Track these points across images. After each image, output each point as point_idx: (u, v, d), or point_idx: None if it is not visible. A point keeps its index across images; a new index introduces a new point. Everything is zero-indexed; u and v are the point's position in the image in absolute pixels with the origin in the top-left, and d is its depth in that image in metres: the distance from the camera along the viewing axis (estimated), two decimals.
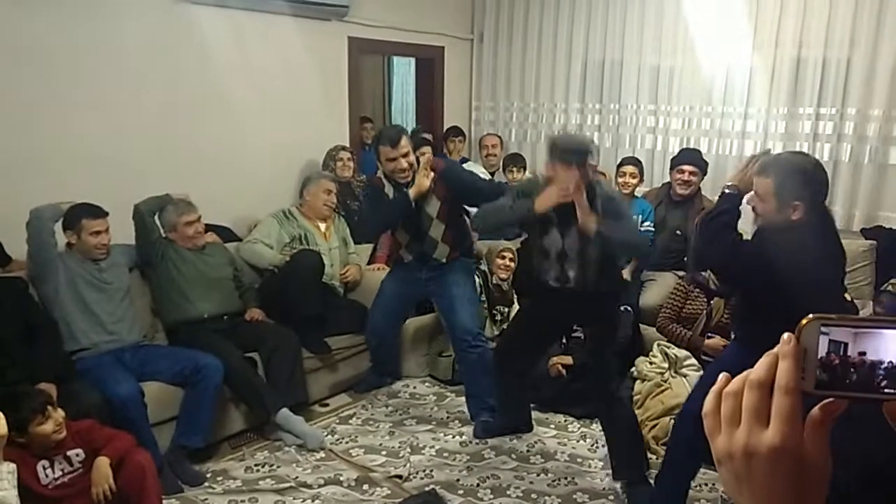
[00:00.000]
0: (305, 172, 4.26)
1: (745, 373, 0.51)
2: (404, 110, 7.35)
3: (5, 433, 1.32)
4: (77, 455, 2.36)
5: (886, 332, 0.50)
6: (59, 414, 2.31)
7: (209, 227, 3.61)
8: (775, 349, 0.50)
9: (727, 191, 2.31)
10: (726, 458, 0.50)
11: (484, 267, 4.15)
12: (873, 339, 0.50)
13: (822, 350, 0.50)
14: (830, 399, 0.50)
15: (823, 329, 0.50)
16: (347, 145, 4.57)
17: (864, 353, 0.50)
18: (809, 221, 2.16)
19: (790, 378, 0.48)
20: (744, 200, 2.31)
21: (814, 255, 2.14)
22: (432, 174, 3.16)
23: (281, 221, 3.87)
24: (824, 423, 0.49)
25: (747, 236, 2.38)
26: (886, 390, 0.50)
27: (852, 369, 0.50)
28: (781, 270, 2.02)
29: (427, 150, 4.93)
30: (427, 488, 2.87)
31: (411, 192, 3.14)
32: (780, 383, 0.48)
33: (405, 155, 3.13)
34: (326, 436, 3.31)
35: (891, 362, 0.50)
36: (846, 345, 0.50)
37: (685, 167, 4.06)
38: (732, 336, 2.67)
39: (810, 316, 0.50)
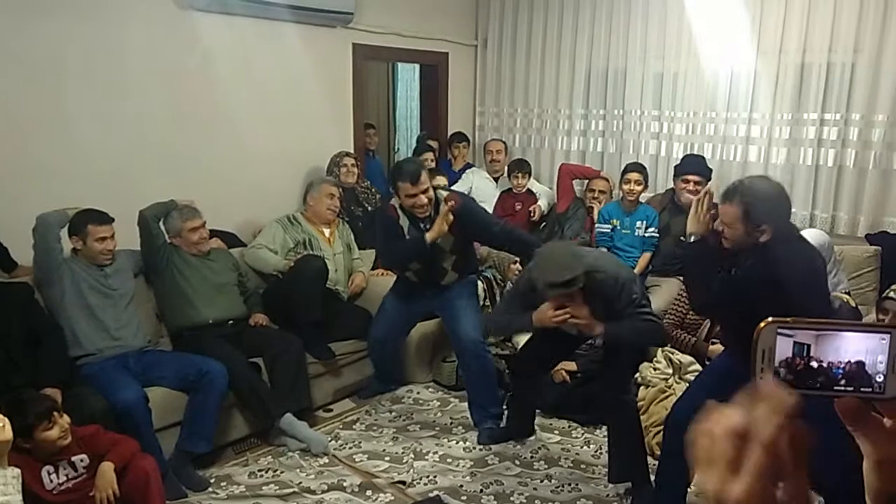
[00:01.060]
0: (310, 178, 4.28)
1: (721, 412, 0.50)
2: (409, 116, 7.37)
3: (10, 438, 1.33)
4: (82, 461, 2.37)
5: (845, 335, 0.53)
6: (65, 420, 2.33)
7: (214, 233, 3.63)
8: (757, 392, 0.49)
9: (691, 239, 2.41)
10: (701, 493, 0.50)
11: (488, 273, 4.16)
12: (833, 341, 0.53)
13: (787, 352, 0.53)
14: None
15: (784, 332, 0.53)
16: (352, 151, 4.59)
17: (822, 356, 0.54)
18: (777, 238, 2.25)
19: (767, 434, 0.47)
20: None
21: (794, 266, 2.21)
22: (451, 217, 3.12)
23: (285, 227, 3.88)
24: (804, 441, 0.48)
25: None
26: (842, 388, 0.52)
27: (814, 370, 0.53)
28: (770, 288, 2.09)
29: (429, 155, 4.95)
30: (431, 494, 2.87)
31: (429, 235, 3.13)
32: (758, 437, 0.47)
33: (425, 191, 3.11)
34: (330, 441, 3.31)
35: (849, 362, 0.52)
36: (809, 346, 0.54)
37: (691, 177, 4.04)
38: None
39: (769, 319, 0.53)
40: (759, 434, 0.47)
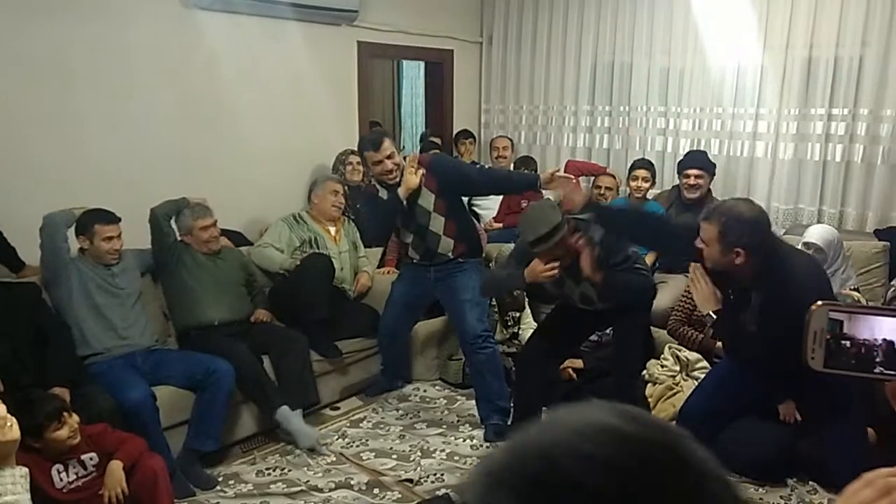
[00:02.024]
0: (315, 177, 4.28)
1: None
2: (414, 114, 7.37)
3: (17, 438, 1.34)
4: (91, 459, 2.39)
5: (885, 319, 0.57)
6: (74, 419, 2.34)
7: (220, 232, 3.63)
8: None
9: (712, 317, 2.48)
10: None
11: None
12: (869, 323, 0.56)
13: (829, 327, 0.56)
14: None
15: (835, 314, 0.57)
16: (357, 149, 4.58)
17: (861, 335, 0.57)
18: (752, 264, 2.31)
19: None
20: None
21: (804, 285, 2.26)
22: (420, 170, 3.18)
23: (291, 225, 3.88)
24: None
25: None
26: (886, 371, 0.56)
27: (853, 349, 0.56)
28: (794, 318, 2.12)
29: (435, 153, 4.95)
30: (439, 492, 2.87)
31: (400, 190, 3.17)
32: None
33: (389, 156, 3.16)
34: (337, 439, 3.32)
35: (888, 341, 0.56)
36: (842, 323, 0.57)
37: (691, 171, 4.04)
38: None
39: (819, 302, 0.56)
40: None
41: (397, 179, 3.20)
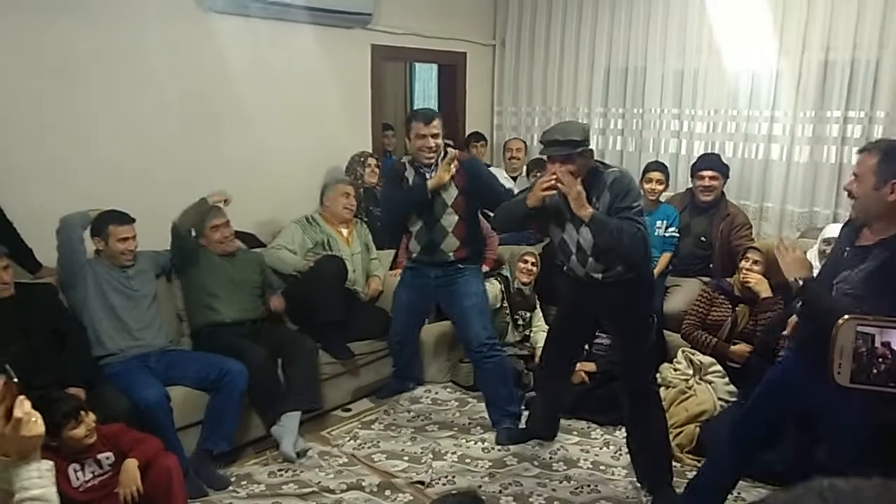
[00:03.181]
0: (327, 179, 4.30)
1: None
2: None
3: (43, 432, 1.37)
4: (107, 458, 2.41)
5: None
6: (91, 418, 2.36)
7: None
8: None
9: (800, 284, 2.18)
10: None
11: (506, 272, 4.15)
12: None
13: (857, 342, 0.54)
14: None
15: (863, 329, 0.55)
16: (371, 152, 4.61)
17: (889, 345, 0.55)
18: None
19: None
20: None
21: None
22: (455, 166, 3.15)
23: (304, 227, 3.90)
24: None
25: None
26: None
27: (879, 360, 0.54)
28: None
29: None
30: (463, 489, 2.84)
31: (430, 182, 3.15)
32: None
33: (434, 135, 3.16)
34: (349, 440, 3.32)
35: None
36: (872, 337, 0.55)
37: (704, 173, 4.03)
38: (787, 344, 2.50)
39: (846, 316, 0.55)
40: None
41: (431, 161, 3.19)
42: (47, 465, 1.39)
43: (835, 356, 0.50)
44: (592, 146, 5.17)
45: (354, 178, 4.31)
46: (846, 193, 2.21)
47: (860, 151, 2.15)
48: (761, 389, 2.48)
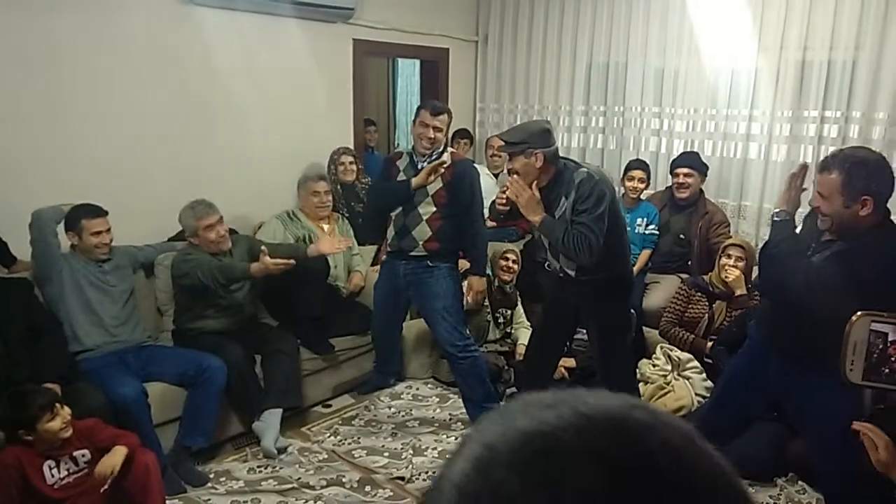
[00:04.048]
0: (303, 176, 4.27)
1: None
2: (409, 112, 7.36)
3: None
4: (83, 456, 2.39)
5: None
6: (66, 411, 2.34)
7: None
8: None
9: (776, 218, 2.22)
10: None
11: (487, 270, 4.15)
12: None
13: (870, 338, 0.54)
14: None
15: (877, 327, 0.54)
16: (351, 148, 4.58)
17: None
18: (879, 222, 2.05)
19: None
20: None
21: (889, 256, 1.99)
22: (440, 173, 3.18)
23: (285, 223, 3.88)
24: None
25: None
26: None
27: (892, 359, 0.54)
28: (863, 286, 1.77)
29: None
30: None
31: (415, 179, 3.20)
32: None
33: (437, 129, 3.18)
34: (329, 437, 3.32)
35: None
36: (886, 335, 0.54)
37: (680, 170, 4.08)
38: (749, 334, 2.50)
39: (859, 312, 0.54)
40: None
41: (427, 152, 3.22)
42: None
43: (847, 353, 0.49)
44: (574, 144, 5.21)
45: (331, 175, 4.29)
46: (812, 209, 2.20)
47: (820, 171, 2.12)
48: (723, 378, 2.53)
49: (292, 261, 3.13)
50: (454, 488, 0.39)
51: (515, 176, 2.71)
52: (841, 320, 1.55)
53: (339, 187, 4.25)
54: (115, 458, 2.35)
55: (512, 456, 0.39)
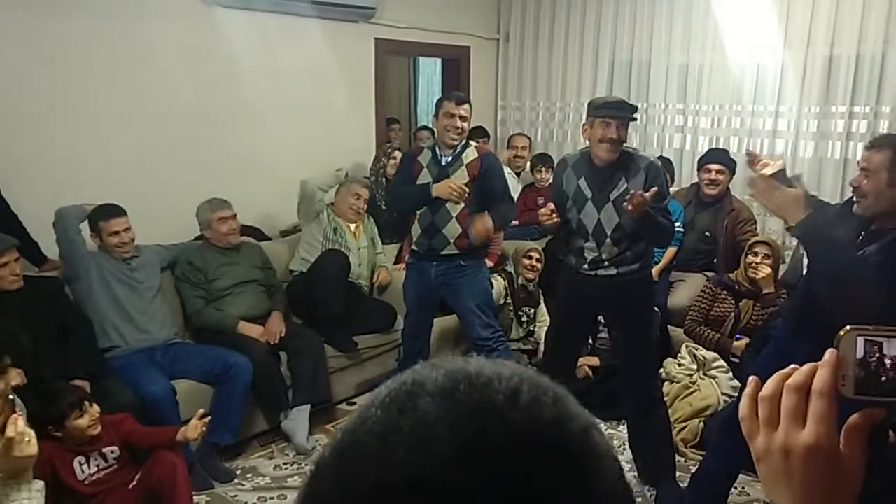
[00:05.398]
0: (332, 172, 4.28)
1: (777, 376, 0.55)
2: (430, 111, 7.35)
3: (36, 452, 1.35)
4: (112, 452, 2.42)
5: None
6: (95, 409, 2.37)
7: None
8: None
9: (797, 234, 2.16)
10: (765, 456, 0.54)
11: (510, 268, 4.15)
12: None
13: (861, 352, 0.53)
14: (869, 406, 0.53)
15: (866, 339, 0.54)
16: (374, 147, 4.61)
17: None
18: None
19: (826, 383, 0.52)
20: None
21: None
22: (464, 191, 3.11)
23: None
24: (861, 428, 0.52)
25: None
26: None
27: (889, 372, 0.53)
28: None
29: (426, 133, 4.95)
30: None
31: (435, 187, 3.13)
32: (816, 387, 0.52)
33: (463, 118, 3.15)
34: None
35: None
36: (880, 345, 0.54)
37: (711, 166, 4.02)
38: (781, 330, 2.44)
39: (847, 327, 0.54)
40: (818, 385, 0.52)
41: (455, 143, 3.17)
42: (38, 486, 1.38)
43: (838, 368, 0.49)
44: None
45: (378, 167, 4.31)
46: (851, 189, 2.18)
47: (868, 147, 2.11)
48: (752, 373, 2.48)
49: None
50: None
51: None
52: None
53: (384, 180, 4.27)
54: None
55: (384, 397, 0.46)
